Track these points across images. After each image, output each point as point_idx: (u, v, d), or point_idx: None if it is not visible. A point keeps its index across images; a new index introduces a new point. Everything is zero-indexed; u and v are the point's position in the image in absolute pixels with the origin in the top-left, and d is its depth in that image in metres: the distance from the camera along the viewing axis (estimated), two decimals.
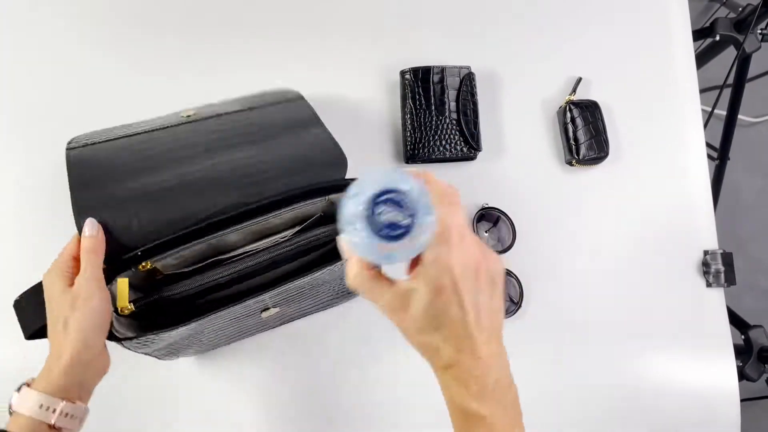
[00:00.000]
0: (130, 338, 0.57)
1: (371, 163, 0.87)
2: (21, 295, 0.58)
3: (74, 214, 0.57)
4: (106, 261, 0.55)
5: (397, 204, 0.40)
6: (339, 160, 0.65)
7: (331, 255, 0.64)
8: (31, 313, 0.57)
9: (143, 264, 0.56)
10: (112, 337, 0.56)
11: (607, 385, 0.84)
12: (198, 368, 0.79)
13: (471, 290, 0.42)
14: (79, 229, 0.56)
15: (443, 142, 0.87)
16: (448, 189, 0.44)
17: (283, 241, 0.64)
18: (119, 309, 0.56)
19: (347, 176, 0.65)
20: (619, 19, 0.96)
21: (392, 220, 0.39)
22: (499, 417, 0.44)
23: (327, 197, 0.63)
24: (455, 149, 0.87)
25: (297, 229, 0.65)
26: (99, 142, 0.64)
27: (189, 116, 0.69)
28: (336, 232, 0.66)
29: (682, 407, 0.84)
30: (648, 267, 0.88)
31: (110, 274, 0.56)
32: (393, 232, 0.39)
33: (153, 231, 0.57)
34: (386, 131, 0.90)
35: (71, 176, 0.60)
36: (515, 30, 0.95)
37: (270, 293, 0.63)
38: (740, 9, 1.23)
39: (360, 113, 0.90)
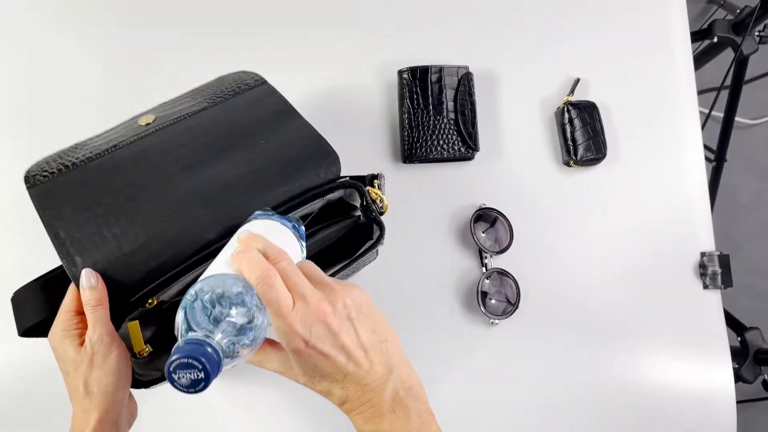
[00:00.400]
0: (157, 380, 0.56)
1: (368, 163, 0.86)
2: (18, 290, 0.56)
3: (63, 262, 0.53)
4: (111, 308, 0.53)
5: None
6: (328, 155, 0.62)
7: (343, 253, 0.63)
8: (28, 310, 0.55)
9: (150, 301, 0.54)
10: (138, 384, 0.55)
11: (603, 386, 0.84)
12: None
13: (327, 339, 0.45)
14: (74, 279, 0.52)
15: (441, 142, 0.87)
16: (259, 266, 0.44)
17: None
18: (138, 353, 0.54)
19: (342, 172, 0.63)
20: (618, 21, 0.96)
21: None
22: (400, 427, 0.46)
23: (324, 198, 0.62)
24: (453, 149, 0.87)
25: None
26: (63, 172, 0.58)
27: (149, 124, 0.63)
28: (342, 229, 0.66)
29: (677, 408, 0.84)
30: (645, 268, 0.88)
31: (118, 319, 0.53)
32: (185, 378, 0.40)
33: (154, 267, 0.53)
34: (384, 131, 0.90)
35: (47, 219, 0.55)
36: (514, 30, 0.95)
37: None
38: (738, 11, 1.23)
39: (357, 112, 0.90)
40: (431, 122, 0.87)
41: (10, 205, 0.82)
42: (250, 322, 0.43)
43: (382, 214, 0.65)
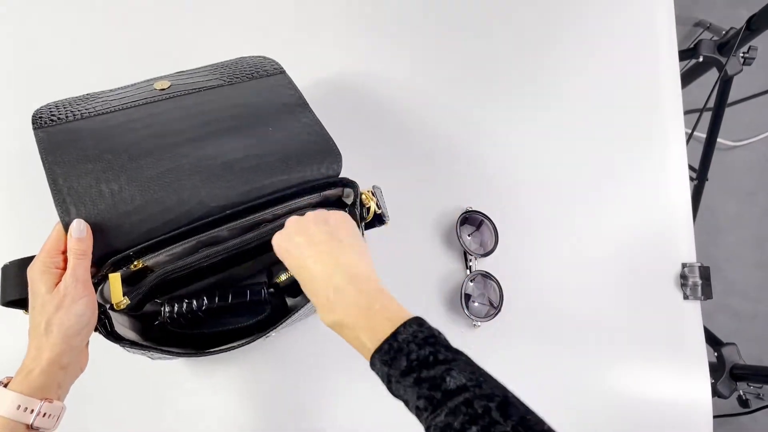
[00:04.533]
0: (131, 343, 0.56)
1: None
2: (11, 261, 0.56)
3: (58, 210, 0.54)
4: (97, 262, 0.54)
5: None
6: (331, 152, 0.63)
7: None
8: (12, 285, 0.55)
9: (135, 263, 0.55)
10: (113, 337, 0.55)
11: (580, 393, 0.84)
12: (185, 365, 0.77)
13: (289, 239, 0.54)
14: (65, 226, 0.53)
15: None
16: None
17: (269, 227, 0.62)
18: (115, 305, 0.54)
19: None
20: (609, 36, 0.98)
21: None
22: (348, 310, 0.50)
23: (321, 193, 0.62)
24: None
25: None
26: (71, 120, 0.59)
27: (164, 89, 0.64)
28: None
29: (655, 418, 0.85)
30: (627, 277, 0.88)
31: (102, 274, 0.54)
32: None
33: (144, 231, 0.55)
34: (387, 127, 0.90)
35: (48, 164, 0.55)
36: (508, 41, 0.96)
37: (275, 329, 0.63)
38: (724, 32, 1.26)
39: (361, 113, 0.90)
40: None
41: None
42: None
43: (363, 220, 0.65)
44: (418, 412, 0.45)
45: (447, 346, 0.47)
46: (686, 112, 0.96)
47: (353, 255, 0.54)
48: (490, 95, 0.93)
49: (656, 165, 0.93)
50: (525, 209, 0.89)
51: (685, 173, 0.93)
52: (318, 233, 0.54)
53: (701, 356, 0.87)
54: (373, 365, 0.48)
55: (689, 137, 1.24)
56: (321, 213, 0.56)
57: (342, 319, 0.50)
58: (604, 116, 0.94)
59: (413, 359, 0.46)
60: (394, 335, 0.47)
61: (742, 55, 1.23)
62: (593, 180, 0.91)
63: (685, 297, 0.88)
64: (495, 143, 0.91)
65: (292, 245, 0.54)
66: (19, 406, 0.50)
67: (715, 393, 1.12)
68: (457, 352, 0.47)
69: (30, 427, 0.50)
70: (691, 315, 0.88)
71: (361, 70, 0.91)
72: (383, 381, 0.48)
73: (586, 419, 0.84)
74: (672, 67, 0.97)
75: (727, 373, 1.14)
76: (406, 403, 0.47)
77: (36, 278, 0.53)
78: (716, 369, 1.15)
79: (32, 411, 0.50)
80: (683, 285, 0.88)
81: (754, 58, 1.22)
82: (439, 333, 0.48)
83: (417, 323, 0.48)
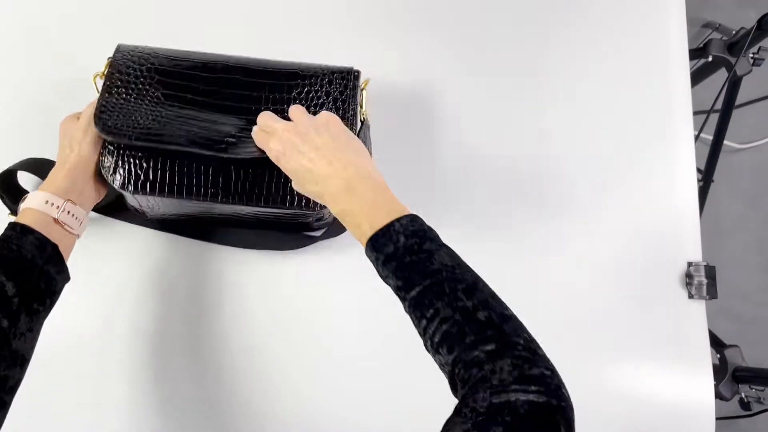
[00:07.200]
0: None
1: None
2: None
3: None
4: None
5: None
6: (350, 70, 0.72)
7: None
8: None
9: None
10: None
11: (582, 393, 0.82)
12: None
13: (294, 146, 0.60)
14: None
15: None
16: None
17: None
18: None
19: None
20: (619, 38, 0.97)
21: None
22: (355, 203, 0.57)
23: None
24: None
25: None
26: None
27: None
28: None
29: (657, 418, 0.84)
30: (632, 276, 0.88)
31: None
32: None
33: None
34: None
35: (107, 76, 0.68)
36: (516, 40, 0.95)
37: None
38: (734, 32, 1.25)
39: None
40: None
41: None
42: None
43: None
44: (398, 290, 0.53)
45: (433, 239, 0.54)
46: (693, 114, 0.96)
47: (357, 156, 0.60)
48: (497, 93, 0.92)
49: (664, 163, 0.92)
50: (530, 205, 0.88)
51: (693, 173, 0.92)
52: (319, 138, 0.60)
53: (705, 356, 0.86)
54: (367, 249, 0.55)
55: (696, 138, 1.23)
56: (315, 120, 0.62)
57: (350, 209, 0.57)
58: (614, 114, 0.93)
59: (399, 246, 0.53)
60: (389, 225, 0.54)
61: (751, 55, 1.22)
62: (600, 177, 0.90)
63: (690, 296, 0.87)
64: (501, 140, 0.90)
65: (292, 150, 0.60)
66: (47, 201, 0.61)
67: (717, 395, 1.11)
68: (442, 245, 0.54)
69: (56, 221, 0.60)
70: (696, 314, 0.87)
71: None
72: (374, 264, 0.56)
73: (588, 418, 0.82)
74: (682, 67, 0.96)
75: (730, 375, 1.13)
76: (390, 284, 0.54)
77: (66, 122, 0.69)
78: (719, 371, 1.15)
79: (58, 207, 0.61)
80: (688, 284, 0.87)
81: (764, 59, 1.21)
82: (430, 228, 0.55)
83: (411, 218, 0.55)
